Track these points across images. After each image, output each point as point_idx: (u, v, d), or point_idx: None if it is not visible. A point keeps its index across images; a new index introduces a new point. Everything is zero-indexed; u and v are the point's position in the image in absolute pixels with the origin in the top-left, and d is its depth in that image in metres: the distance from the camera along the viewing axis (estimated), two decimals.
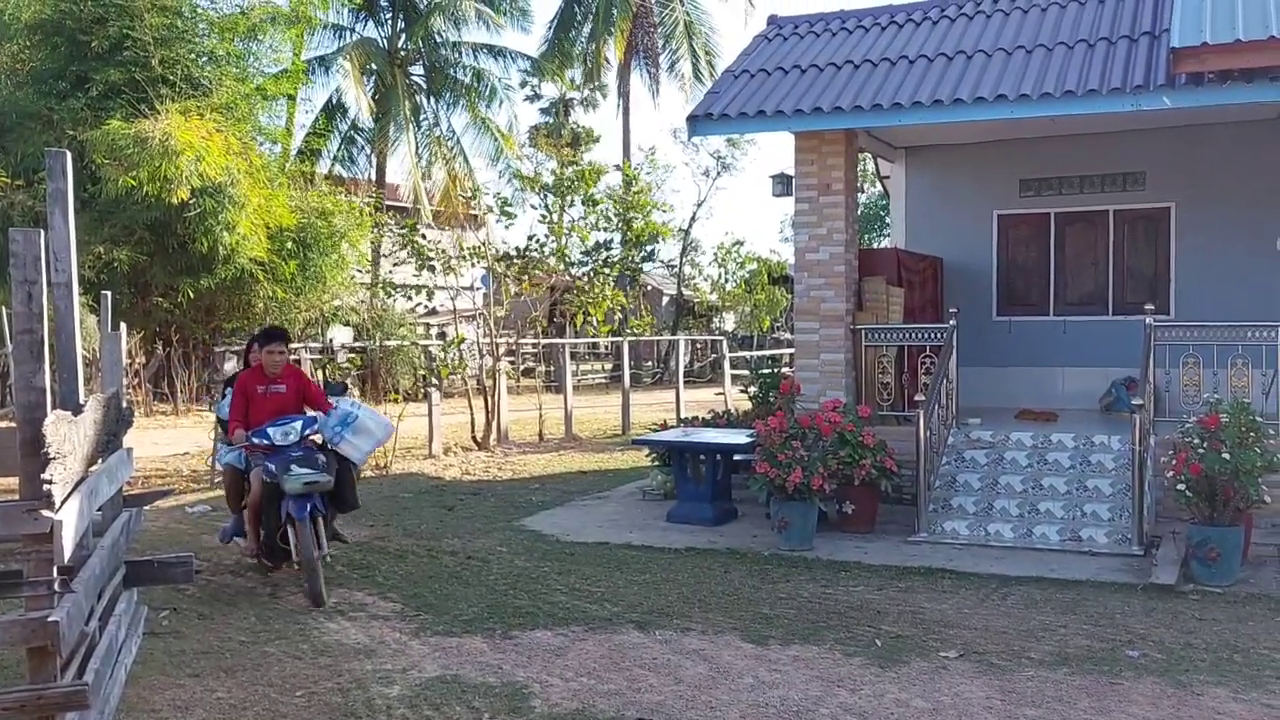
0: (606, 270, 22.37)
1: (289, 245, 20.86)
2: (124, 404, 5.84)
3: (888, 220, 19.64)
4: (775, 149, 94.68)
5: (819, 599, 7.24)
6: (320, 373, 23.45)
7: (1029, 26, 10.69)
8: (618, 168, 30.22)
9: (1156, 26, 9.85)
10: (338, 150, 29.37)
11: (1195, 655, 5.96)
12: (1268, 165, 11.11)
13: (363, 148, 29.83)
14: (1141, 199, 12.35)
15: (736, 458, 9.94)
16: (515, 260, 19.08)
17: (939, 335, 10.31)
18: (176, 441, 16.13)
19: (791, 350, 14.62)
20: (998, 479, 9.41)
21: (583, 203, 23.01)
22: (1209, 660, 5.86)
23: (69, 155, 4.39)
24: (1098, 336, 12.31)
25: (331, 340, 20.71)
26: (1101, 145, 12.17)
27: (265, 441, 7.46)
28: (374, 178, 29.60)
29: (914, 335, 10.69)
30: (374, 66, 28.41)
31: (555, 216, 23.62)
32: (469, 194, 27.18)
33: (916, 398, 9.93)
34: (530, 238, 20.80)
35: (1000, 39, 10.54)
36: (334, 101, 28.71)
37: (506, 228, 23.91)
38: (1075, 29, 10.33)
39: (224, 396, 8.59)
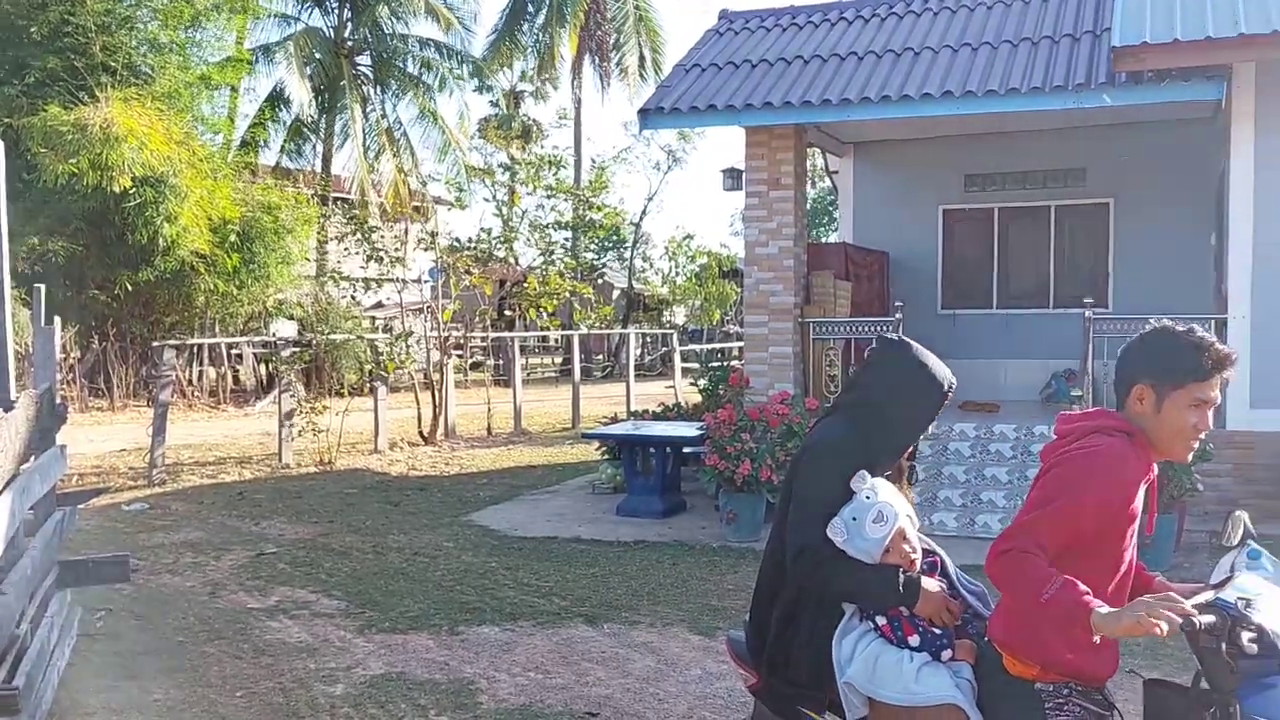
0: (560, 255, 22.26)
1: (232, 238, 20.54)
2: (58, 400, 5.71)
3: (836, 215, 19.78)
4: (726, 143, 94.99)
5: None
6: (264, 367, 23.18)
7: (974, 24, 10.81)
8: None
9: (1098, 26, 10.00)
10: (284, 142, 28.94)
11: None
12: (1202, 162, 11.32)
13: (308, 139, 29.42)
14: (1082, 195, 12.55)
15: (686, 450, 9.96)
16: (465, 252, 18.94)
17: (885, 329, 10.39)
18: (113, 438, 15.83)
19: (741, 343, 14.67)
20: (942, 469, 9.51)
21: (544, 193, 22.87)
22: (1145, 644, 5.96)
23: (1, 144, 4.28)
24: (1039, 329, 12.49)
25: (275, 334, 20.43)
26: (1044, 142, 12.34)
27: None
28: (320, 169, 29.22)
29: (861, 329, 10.77)
30: (319, 56, 28.03)
31: (507, 210, 23.51)
32: (420, 183, 26.97)
33: None
34: (482, 230, 20.67)
35: (946, 36, 10.65)
36: (278, 92, 28.27)
37: (464, 207, 23.69)
38: (1019, 27, 10.47)
39: None
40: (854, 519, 2.94)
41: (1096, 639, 2.46)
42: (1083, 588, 2.49)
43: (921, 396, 3.13)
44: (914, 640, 2.89)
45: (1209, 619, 2.46)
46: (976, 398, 11.61)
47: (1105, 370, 9.65)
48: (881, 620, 2.94)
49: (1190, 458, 2.75)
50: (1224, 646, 2.46)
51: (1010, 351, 12.51)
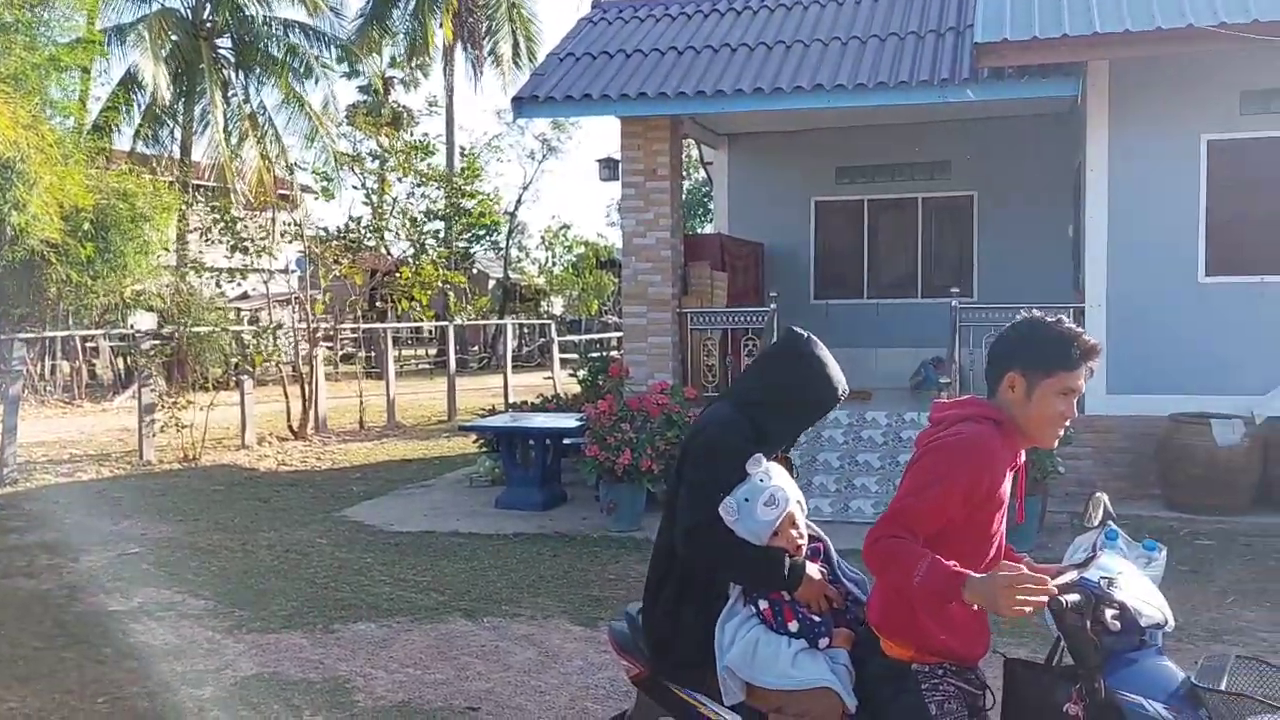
0: (433, 244, 21.89)
1: (85, 226, 19.62)
2: None
3: (711, 207, 19.98)
4: (602, 133, 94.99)
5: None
6: (122, 361, 22.25)
7: (844, 18, 11.02)
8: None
9: (961, 22, 10.31)
10: (140, 126, 27.71)
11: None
12: (1060, 156, 11.80)
13: (166, 124, 28.23)
14: (947, 187, 12.95)
15: (566, 442, 9.92)
16: (334, 242, 18.48)
17: (761, 319, 10.53)
18: None
19: (620, 334, 14.71)
20: (816, 456, 9.69)
21: (415, 179, 22.43)
22: (1011, 621, 6.17)
23: None
24: (908, 318, 12.84)
25: (133, 326, 19.64)
26: (912, 135, 12.67)
27: None
28: (179, 156, 28.09)
29: (737, 319, 10.89)
30: (176, 38, 26.92)
31: (377, 198, 23.00)
32: (287, 171, 26.18)
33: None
34: (352, 219, 20.17)
35: (818, 30, 10.84)
36: (133, 75, 27.05)
37: (331, 197, 23.08)
38: (888, 22, 10.72)
39: None
40: (746, 500, 2.97)
41: (974, 606, 2.53)
42: (951, 563, 2.56)
43: (815, 394, 3.18)
44: (793, 626, 2.95)
45: (1074, 597, 2.55)
46: (849, 385, 11.85)
47: (972, 357, 9.99)
48: (764, 604, 2.98)
49: (1056, 443, 2.85)
50: (1089, 624, 2.55)
51: (881, 340, 12.82)
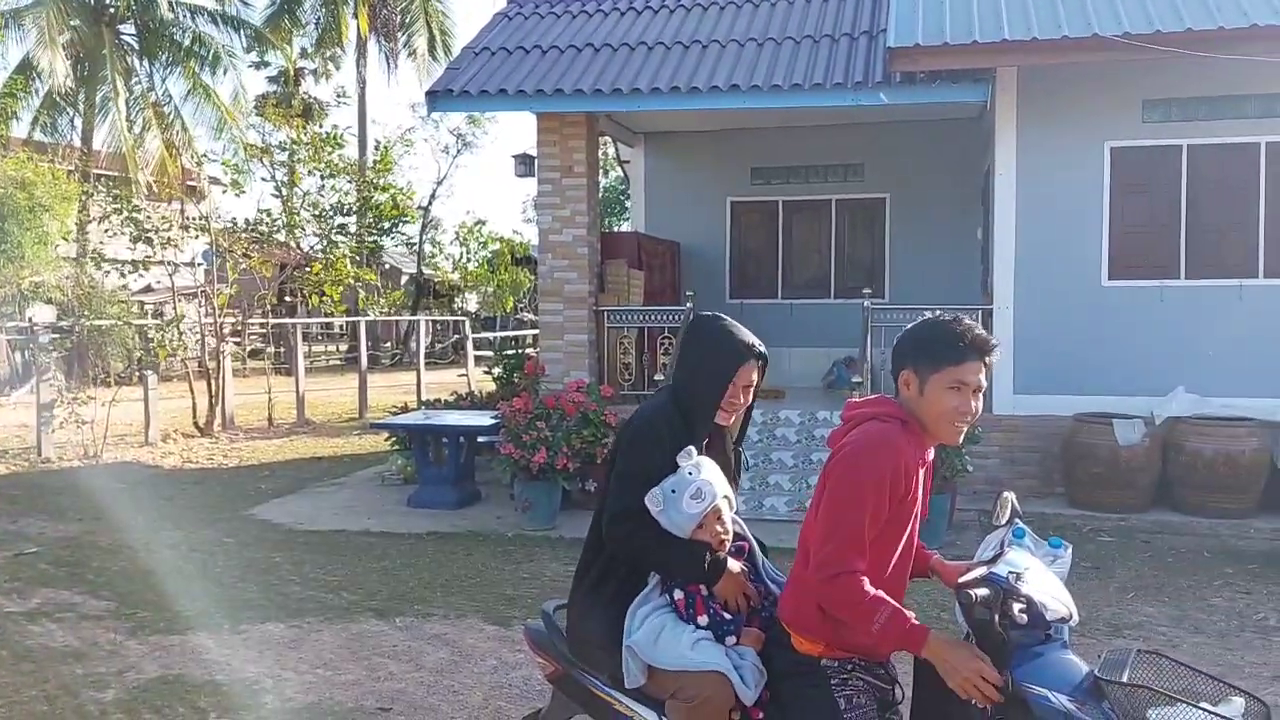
0: (343, 239, 21.50)
1: None
2: None
3: (628, 204, 20.00)
4: (517, 129, 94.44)
5: (563, 577, 7.26)
6: (19, 355, 21.45)
7: (760, 20, 11.11)
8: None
9: (875, 26, 10.47)
10: (37, 113, 26.74)
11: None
12: (969, 160, 12.06)
13: (65, 111, 27.29)
14: (860, 189, 13.14)
15: (480, 440, 9.83)
16: (242, 234, 18.06)
17: (677, 317, 10.57)
18: None
19: (535, 331, 14.64)
20: None
21: (321, 172, 22.00)
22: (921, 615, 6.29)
23: None
24: (821, 318, 13.00)
25: (32, 320, 18.95)
26: (826, 137, 12.83)
27: None
28: (80, 144, 27.16)
29: (653, 317, 10.91)
30: (76, 23, 26.03)
31: (287, 191, 22.53)
32: (194, 163, 25.46)
33: (656, 377, 10.15)
34: (261, 211, 19.75)
35: (734, 30, 10.91)
36: (30, 61, 26.10)
37: (238, 195, 22.45)
38: (803, 24, 10.84)
39: None
40: (673, 491, 3.00)
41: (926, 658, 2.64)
42: (909, 615, 2.64)
43: (724, 358, 3.17)
44: (702, 620, 2.98)
45: (983, 591, 2.60)
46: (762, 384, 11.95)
47: (883, 357, 10.14)
48: (679, 594, 3.01)
49: (960, 440, 2.91)
50: (997, 618, 2.60)
51: (794, 340, 12.95)
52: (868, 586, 2.64)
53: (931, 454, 2.90)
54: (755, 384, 3.24)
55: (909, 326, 2.93)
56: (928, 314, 2.98)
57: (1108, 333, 9.62)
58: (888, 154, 12.84)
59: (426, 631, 6.13)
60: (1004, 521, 3.08)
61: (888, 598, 2.64)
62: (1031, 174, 9.77)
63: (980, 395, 2.83)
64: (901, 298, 12.20)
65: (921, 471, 2.84)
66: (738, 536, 3.13)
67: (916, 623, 2.62)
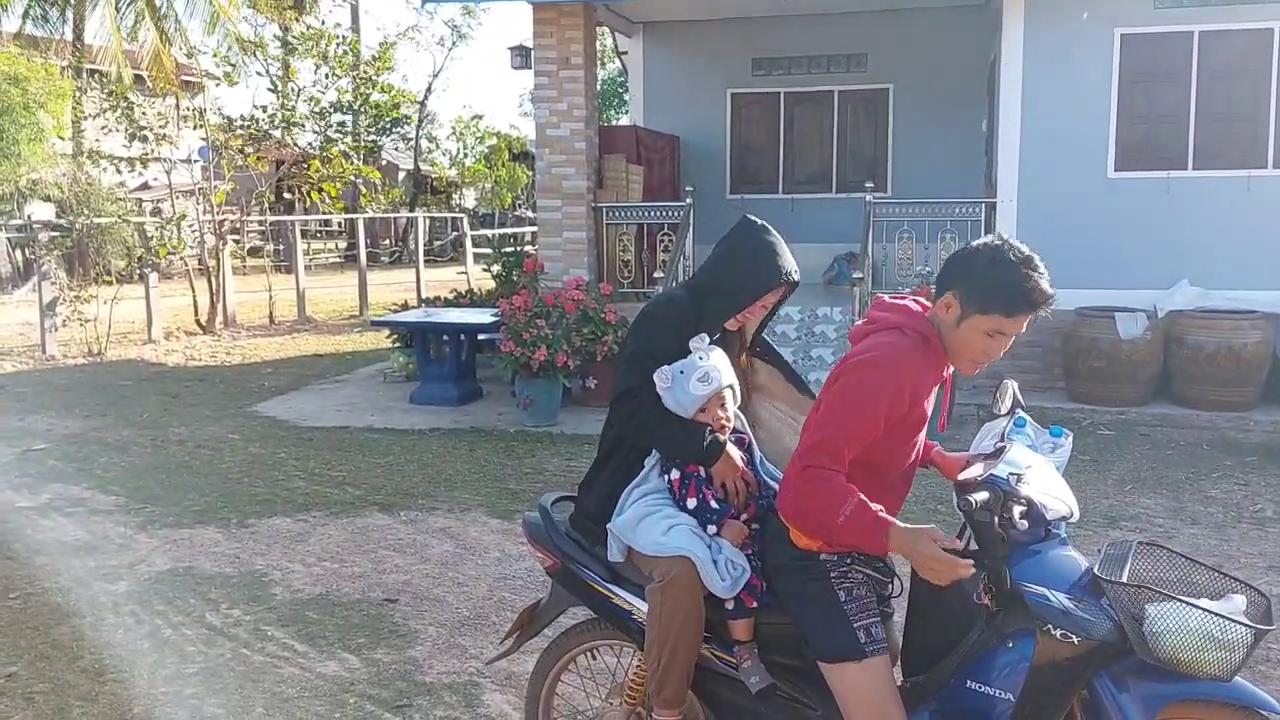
0: (340, 136, 21.18)
1: None
2: None
3: (626, 98, 19.66)
4: (513, 20, 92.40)
5: (564, 472, 7.35)
6: (20, 253, 21.36)
7: None
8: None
9: None
10: (28, 6, 26.15)
11: None
12: (974, 50, 11.80)
13: (56, 3, 26.68)
14: (863, 80, 12.88)
15: (481, 337, 9.85)
16: (239, 131, 17.81)
17: (676, 214, 10.47)
18: None
19: (534, 228, 14.53)
20: None
21: (316, 64, 21.58)
22: (919, 514, 6.38)
23: None
24: (823, 214, 12.87)
25: (30, 217, 18.81)
26: (828, 27, 12.55)
27: None
28: (72, 38, 26.60)
29: (653, 214, 10.81)
30: None
31: (282, 86, 22.14)
32: (187, 56, 24.97)
33: (656, 274, 10.10)
34: (258, 108, 19.44)
35: None
36: None
37: (234, 83, 22.01)
38: None
39: None
40: (681, 372, 3.03)
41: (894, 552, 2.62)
42: (876, 507, 2.60)
43: (756, 278, 3.19)
44: (691, 503, 3.02)
45: (983, 495, 2.60)
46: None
47: (884, 253, 10.10)
48: (675, 474, 3.05)
49: (975, 373, 2.83)
50: (997, 520, 2.61)
51: (795, 235, 12.56)
52: (838, 481, 2.64)
53: (949, 370, 2.85)
54: (777, 304, 3.27)
55: (976, 245, 2.75)
56: (997, 241, 2.71)
57: (1112, 225, 9.53)
58: (891, 44, 12.57)
59: (431, 525, 6.22)
60: (1005, 411, 3.07)
61: (856, 491, 2.63)
62: (1038, 62, 9.57)
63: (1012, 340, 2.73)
64: (904, 192, 12.05)
65: (937, 388, 2.81)
66: (739, 432, 3.15)
67: (883, 515, 2.61)
